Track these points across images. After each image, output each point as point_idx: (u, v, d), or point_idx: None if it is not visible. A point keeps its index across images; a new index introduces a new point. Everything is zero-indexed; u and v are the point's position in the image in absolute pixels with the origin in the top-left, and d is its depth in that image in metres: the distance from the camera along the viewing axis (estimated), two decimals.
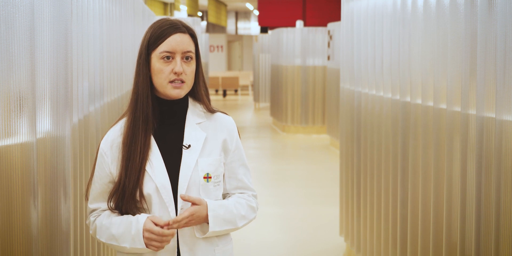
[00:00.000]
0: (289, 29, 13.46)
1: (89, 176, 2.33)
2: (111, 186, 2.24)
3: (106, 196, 2.25)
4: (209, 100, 2.34)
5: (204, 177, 2.22)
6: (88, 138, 3.19)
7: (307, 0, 18.72)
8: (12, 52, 1.90)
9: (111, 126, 2.32)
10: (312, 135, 13.10)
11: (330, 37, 11.57)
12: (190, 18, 12.18)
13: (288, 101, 13.33)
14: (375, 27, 4.38)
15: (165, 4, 21.55)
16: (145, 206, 2.21)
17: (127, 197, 2.20)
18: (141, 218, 2.16)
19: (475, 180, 2.70)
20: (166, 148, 2.24)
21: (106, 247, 3.83)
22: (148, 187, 2.19)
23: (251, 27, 34.67)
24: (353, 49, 5.00)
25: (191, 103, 2.30)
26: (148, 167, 2.20)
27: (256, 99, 18.57)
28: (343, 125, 5.38)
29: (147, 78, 2.22)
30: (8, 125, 1.89)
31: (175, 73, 2.18)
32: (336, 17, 14.06)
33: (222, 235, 2.29)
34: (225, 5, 29.40)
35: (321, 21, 17.08)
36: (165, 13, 21.04)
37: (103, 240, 2.25)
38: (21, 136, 1.95)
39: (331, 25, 11.65)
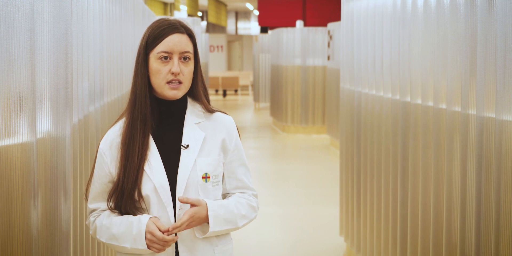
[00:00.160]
0: (289, 29, 13.46)
1: (89, 176, 2.33)
2: (110, 186, 2.24)
3: (106, 196, 2.25)
4: (208, 100, 2.34)
5: (203, 177, 2.22)
6: (88, 138, 3.19)
7: (307, 0, 18.72)
8: (12, 52, 1.90)
9: (111, 126, 2.32)
10: (312, 135, 13.10)
11: (330, 37, 11.57)
12: (190, 18, 12.18)
13: (288, 101, 13.33)
14: (375, 27, 4.38)
15: (165, 4, 21.54)
16: (143, 206, 2.21)
17: (125, 197, 2.20)
18: (143, 218, 2.16)
19: (475, 180, 2.70)
20: (165, 148, 2.24)
21: (106, 247, 3.83)
22: (146, 187, 2.19)
23: (251, 27, 34.67)
24: (353, 49, 5.00)
25: (190, 103, 2.30)
26: (146, 167, 2.20)
27: (256, 99, 18.57)
28: (343, 125, 5.38)
29: (145, 78, 2.22)
30: (8, 125, 1.89)
31: (173, 73, 2.18)
32: (336, 17, 14.07)
33: (222, 235, 2.29)
34: (225, 5, 29.40)
35: (321, 21, 17.08)
36: (165, 13, 21.04)
37: (103, 240, 2.25)
38: (21, 136, 1.95)
39: (331, 25, 11.65)
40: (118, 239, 2.19)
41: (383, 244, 4.15)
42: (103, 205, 2.27)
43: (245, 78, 24.53)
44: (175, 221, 2.19)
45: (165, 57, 2.18)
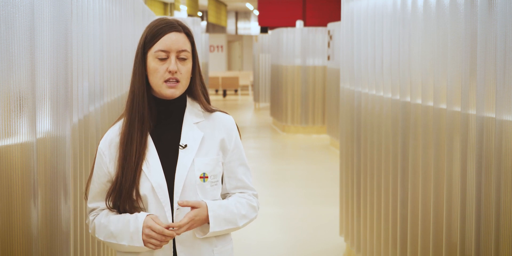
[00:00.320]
0: (289, 29, 13.46)
1: (89, 175, 2.34)
2: (109, 185, 2.25)
3: (105, 195, 2.26)
4: (207, 99, 2.33)
5: (201, 177, 2.22)
6: (88, 138, 3.19)
7: (307, 0, 18.72)
8: (12, 52, 1.90)
9: (111, 126, 2.32)
10: (312, 135, 13.10)
11: (330, 37, 11.57)
12: (190, 18, 12.17)
13: (288, 101, 13.33)
14: (375, 27, 4.38)
15: (165, 4, 21.54)
16: (141, 205, 2.22)
17: (124, 196, 2.20)
18: (140, 216, 2.16)
19: (475, 180, 2.70)
20: (163, 148, 2.24)
21: (105, 247, 3.82)
22: (144, 186, 2.19)
23: (251, 27, 34.67)
24: (353, 49, 5.00)
25: (189, 103, 2.30)
26: (144, 167, 2.20)
27: (256, 99, 18.57)
28: (343, 125, 5.38)
29: (142, 77, 2.22)
30: (8, 125, 1.89)
31: (170, 72, 2.18)
32: (336, 17, 14.07)
33: (222, 235, 2.29)
34: (225, 5, 29.40)
35: (321, 21, 17.08)
36: (165, 13, 21.04)
37: (101, 238, 2.25)
38: (21, 136, 1.95)
39: (331, 25, 11.65)
40: (116, 237, 2.20)
41: (383, 244, 4.15)
42: (102, 204, 2.27)
43: (245, 78, 24.53)
44: (172, 221, 2.19)
45: (163, 57, 2.18)
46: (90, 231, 2.32)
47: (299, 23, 13.51)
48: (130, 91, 2.25)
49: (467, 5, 2.76)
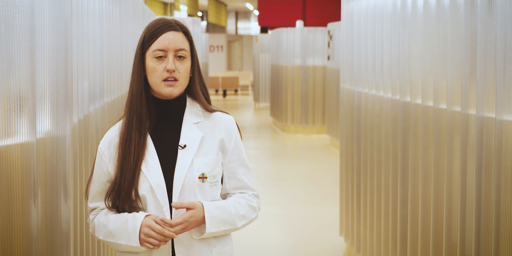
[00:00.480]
0: (289, 29, 13.46)
1: (89, 175, 2.34)
2: (109, 185, 2.25)
3: (104, 195, 2.26)
4: (208, 99, 2.33)
5: (199, 177, 2.21)
6: (88, 138, 3.19)
7: (307, 0, 18.72)
8: (12, 52, 1.90)
9: (111, 126, 2.32)
10: (312, 135, 13.10)
11: (330, 37, 11.57)
12: (190, 18, 12.17)
13: (288, 101, 13.33)
14: (375, 27, 4.38)
15: (165, 4, 21.54)
16: (140, 205, 2.22)
17: (123, 196, 2.20)
18: (139, 216, 2.16)
19: (475, 180, 2.70)
20: (163, 148, 2.24)
21: (105, 247, 3.82)
22: (143, 187, 2.19)
23: (251, 27, 34.67)
24: (353, 49, 5.00)
25: (189, 103, 2.29)
26: (143, 167, 2.20)
27: (256, 99, 18.57)
28: (343, 125, 5.38)
29: (141, 77, 2.22)
30: (8, 125, 1.89)
31: (168, 70, 2.18)
32: (336, 17, 14.06)
33: (221, 236, 2.28)
34: (225, 5, 29.40)
35: (321, 21, 17.07)
36: (165, 13, 21.04)
37: (101, 237, 2.26)
38: (21, 136, 1.95)
39: (331, 25, 11.65)
40: (114, 236, 2.20)
41: (383, 244, 4.15)
42: (102, 204, 2.27)
43: (245, 78, 24.53)
44: None
45: (160, 56, 2.19)
46: (90, 230, 2.33)
47: (299, 23, 13.51)
48: (129, 91, 2.25)
49: (467, 5, 2.76)
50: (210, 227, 2.19)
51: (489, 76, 2.59)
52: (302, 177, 9.01)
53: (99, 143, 2.30)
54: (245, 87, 25.23)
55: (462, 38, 2.83)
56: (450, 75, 2.99)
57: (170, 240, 2.20)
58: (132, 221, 2.16)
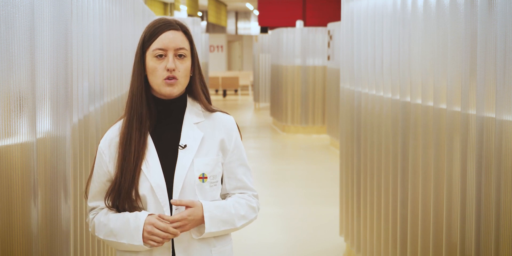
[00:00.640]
0: (289, 29, 13.46)
1: (89, 174, 2.34)
2: (109, 184, 2.25)
3: (104, 195, 2.26)
4: (208, 99, 2.33)
5: (200, 177, 2.22)
6: (88, 138, 3.19)
7: (307, 0, 18.72)
8: (12, 52, 1.90)
9: (111, 126, 2.32)
10: (312, 135, 13.10)
11: (330, 37, 11.57)
12: (190, 18, 12.17)
13: (288, 101, 13.33)
14: (375, 27, 4.38)
15: (165, 4, 21.54)
16: (140, 205, 2.22)
17: (123, 196, 2.20)
18: (141, 215, 2.16)
19: (475, 180, 2.70)
20: (163, 148, 2.24)
21: (106, 247, 3.82)
22: (143, 186, 2.19)
23: (251, 27, 34.67)
24: (353, 49, 5.00)
25: (190, 103, 2.30)
26: (144, 167, 2.20)
27: (256, 99, 18.57)
28: (343, 125, 5.38)
29: (141, 77, 2.22)
30: (8, 125, 1.89)
31: (168, 69, 2.18)
32: (336, 17, 14.06)
33: (221, 236, 2.28)
34: (225, 5, 29.40)
35: (321, 21, 17.07)
36: (165, 13, 21.05)
37: (101, 237, 2.25)
38: (21, 136, 1.95)
39: (331, 25, 11.65)
40: (116, 235, 2.20)
41: (383, 244, 4.15)
42: (102, 203, 2.28)
43: (245, 78, 24.53)
44: None
45: (161, 55, 2.19)
46: (90, 229, 2.33)
47: (299, 23, 13.51)
48: (129, 91, 2.26)
49: (467, 5, 2.76)
50: (210, 227, 2.19)
51: (489, 76, 2.59)
52: (302, 177, 9.01)
53: (99, 143, 2.30)
54: (245, 87, 25.23)
55: (462, 38, 2.83)
56: (450, 75, 2.99)
57: (170, 240, 2.20)
58: (135, 219, 2.16)
